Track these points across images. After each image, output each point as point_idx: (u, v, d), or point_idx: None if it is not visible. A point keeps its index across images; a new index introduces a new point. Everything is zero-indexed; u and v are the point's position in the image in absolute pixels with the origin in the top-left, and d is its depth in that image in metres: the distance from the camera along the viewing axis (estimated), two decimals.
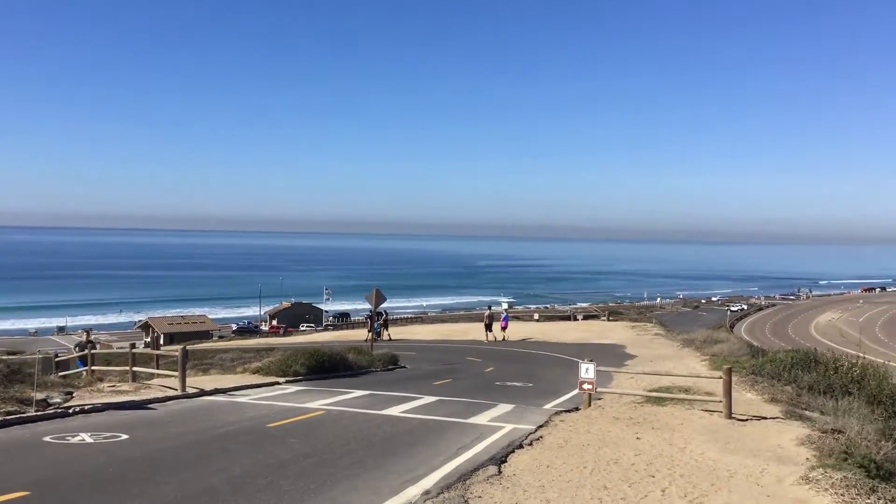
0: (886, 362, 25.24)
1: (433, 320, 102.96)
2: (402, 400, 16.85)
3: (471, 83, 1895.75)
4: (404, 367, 27.62)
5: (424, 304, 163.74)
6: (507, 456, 10.53)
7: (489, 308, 47.19)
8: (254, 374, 21.94)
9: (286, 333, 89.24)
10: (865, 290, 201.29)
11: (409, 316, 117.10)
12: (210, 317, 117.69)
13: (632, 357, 30.97)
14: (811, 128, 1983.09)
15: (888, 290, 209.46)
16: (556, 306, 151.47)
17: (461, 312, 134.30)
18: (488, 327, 42.38)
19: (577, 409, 15.49)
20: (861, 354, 23.24)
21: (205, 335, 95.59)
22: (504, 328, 43.40)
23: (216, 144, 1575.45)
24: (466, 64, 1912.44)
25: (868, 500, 7.79)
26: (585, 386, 15.62)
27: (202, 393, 17.01)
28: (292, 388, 19.05)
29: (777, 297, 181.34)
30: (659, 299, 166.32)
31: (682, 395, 16.09)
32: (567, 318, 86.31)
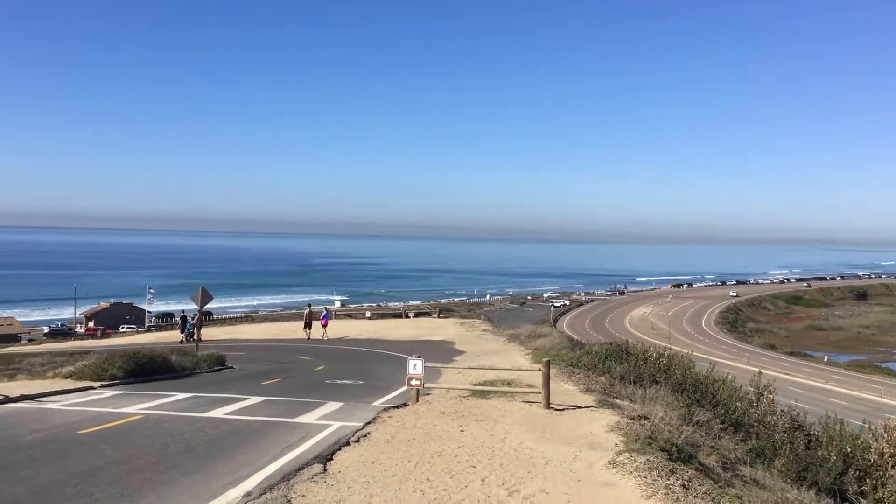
0: (690, 352, 27.29)
1: (264, 319, 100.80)
2: (227, 401, 16.41)
3: (282, 77, 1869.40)
4: (232, 367, 26.87)
5: (255, 302, 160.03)
6: (333, 454, 10.52)
7: (308, 306, 47.08)
8: (66, 378, 20.57)
9: (104, 335, 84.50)
10: (674, 286, 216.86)
11: (240, 315, 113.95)
12: (18, 319, 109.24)
13: (461, 353, 31.71)
14: (622, 130, 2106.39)
15: (694, 285, 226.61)
16: (389, 304, 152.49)
17: (294, 311, 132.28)
18: (308, 325, 42.55)
19: (405, 404, 15.69)
20: (668, 346, 25.07)
21: (12, 339, 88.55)
22: (324, 325, 43.35)
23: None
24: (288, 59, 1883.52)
25: (668, 481, 8.42)
26: (413, 382, 15.85)
27: (7, 400, 15.79)
28: (109, 393, 18.07)
29: (597, 293, 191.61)
30: (488, 296, 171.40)
31: (505, 388, 16.71)
32: (399, 316, 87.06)
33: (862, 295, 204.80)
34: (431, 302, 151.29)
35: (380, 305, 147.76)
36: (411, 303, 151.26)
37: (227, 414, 14.57)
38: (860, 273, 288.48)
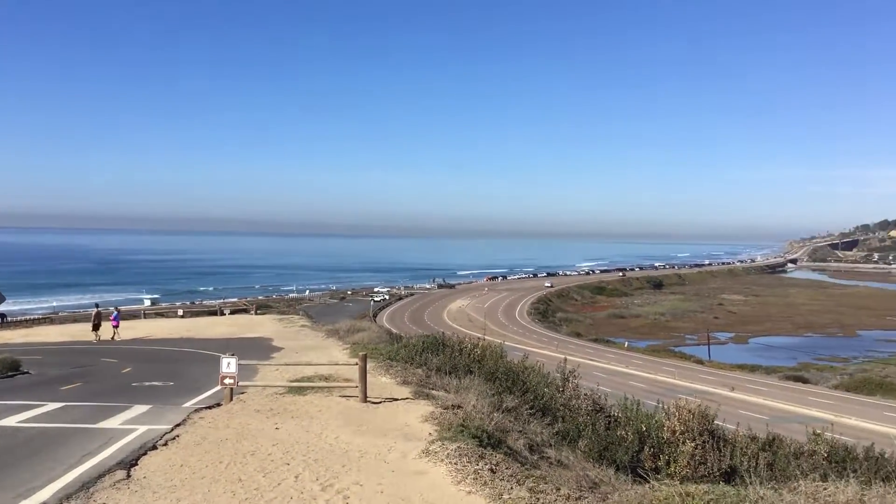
0: (503, 342, 28.33)
1: (65, 320, 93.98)
2: (20, 409, 15.20)
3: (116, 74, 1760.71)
4: (27, 372, 24.89)
5: (55, 303, 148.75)
6: (138, 459, 10.05)
7: (96, 307, 44.55)
8: None
9: None
10: (490, 279, 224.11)
11: (37, 317, 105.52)
12: None
13: (278, 349, 31.17)
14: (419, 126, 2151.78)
15: (509, 278, 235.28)
16: (204, 302, 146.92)
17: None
18: (96, 327, 40.27)
19: (218, 405, 15.23)
20: (483, 337, 25.89)
21: None
22: (115, 326, 41.18)
23: None
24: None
25: (477, 466, 8.74)
26: (227, 381, 15.43)
27: None
28: None
29: (416, 287, 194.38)
30: (308, 292, 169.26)
31: (323, 384, 16.64)
32: (215, 314, 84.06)
33: (658, 284, 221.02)
34: (249, 298, 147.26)
35: (194, 303, 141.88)
36: (228, 299, 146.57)
37: (20, 422, 13.52)
38: (656, 264, 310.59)
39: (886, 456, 15.95)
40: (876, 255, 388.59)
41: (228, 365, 15.39)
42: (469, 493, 7.90)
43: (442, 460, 9.20)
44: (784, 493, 5.78)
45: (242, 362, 16.03)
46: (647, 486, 7.49)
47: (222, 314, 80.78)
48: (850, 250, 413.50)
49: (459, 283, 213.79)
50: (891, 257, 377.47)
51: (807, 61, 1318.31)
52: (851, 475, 8.34)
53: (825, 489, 5.66)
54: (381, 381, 17.78)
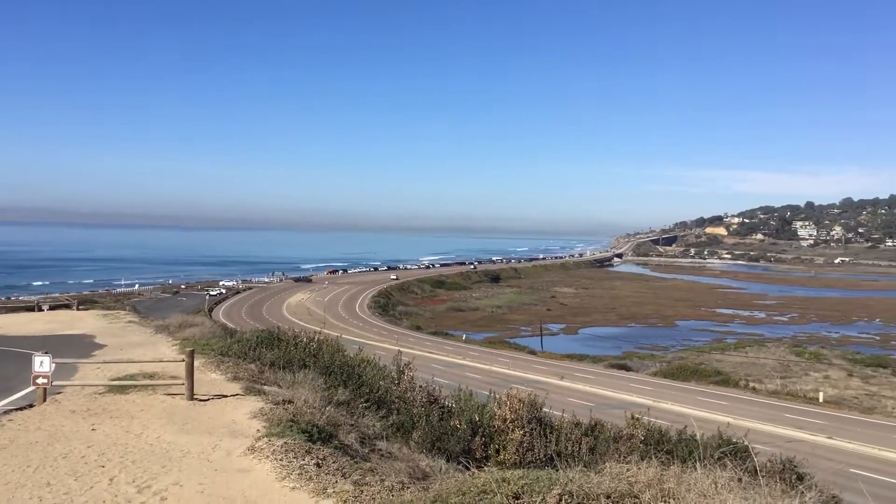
0: (341, 336, 28.18)
1: None
2: None
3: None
4: None
5: None
6: None
7: None
8: None
9: None
10: (330, 273, 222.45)
11: None
12: None
13: (101, 346, 29.45)
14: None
15: (350, 271, 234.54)
16: (20, 297, 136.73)
17: None
18: None
19: (31, 405, 14.24)
20: (321, 330, 25.65)
21: None
22: None
23: None
24: None
25: (303, 461, 8.66)
26: (40, 380, 14.45)
27: None
28: None
29: (254, 280, 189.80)
30: (137, 286, 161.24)
31: (147, 381, 15.92)
32: (32, 309, 78.45)
33: (495, 278, 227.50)
34: (72, 293, 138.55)
35: (10, 298, 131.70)
36: (49, 294, 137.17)
37: None
38: (494, 258, 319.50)
39: (696, 437, 17.22)
40: (692, 251, 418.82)
41: (42, 363, 14.42)
42: (293, 488, 7.81)
43: (267, 457, 9.04)
44: (591, 475, 6.11)
45: (60, 361, 15.08)
46: (467, 473, 7.70)
47: (40, 310, 75.58)
48: (670, 245, 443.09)
49: (302, 277, 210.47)
50: (705, 252, 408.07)
51: (635, 63, 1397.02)
52: (654, 456, 8.93)
53: (628, 470, 6.03)
54: (211, 378, 17.24)
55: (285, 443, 9.47)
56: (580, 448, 15.58)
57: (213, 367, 18.94)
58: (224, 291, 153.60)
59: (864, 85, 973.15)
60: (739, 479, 6.18)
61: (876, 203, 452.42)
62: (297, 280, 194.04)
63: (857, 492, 18.91)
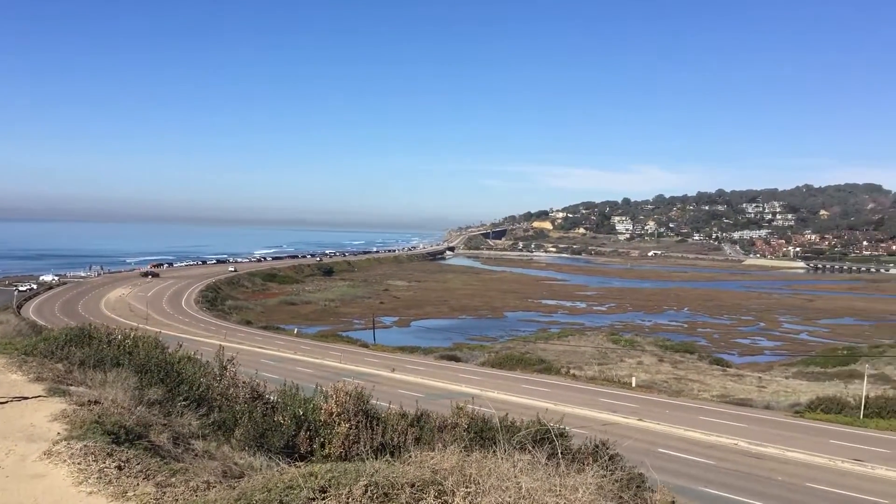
0: (160, 332, 26.99)
1: None
2: None
3: None
4: None
5: None
6: None
7: None
8: None
9: None
10: (155, 266, 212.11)
11: None
12: None
13: None
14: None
15: (176, 265, 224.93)
16: None
17: None
18: None
19: None
20: (139, 326, 24.44)
21: None
22: None
23: None
24: None
25: (103, 464, 8.20)
26: None
27: None
28: None
29: (69, 275, 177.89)
30: None
31: None
32: None
33: (329, 271, 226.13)
34: None
35: None
36: None
37: None
38: (328, 251, 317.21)
39: (518, 423, 17.88)
40: (521, 244, 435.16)
41: None
42: (90, 493, 7.39)
43: (65, 461, 8.49)
44: (397, 465, 6.19)
45: None
46: (275, 469, 7.58)
47: None
48: (500, 239, 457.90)
49: (119, 271, 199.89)
50: (533, 246, 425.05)
51: (475, 60, 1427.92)
52: (475, 444, 9.18)
53: (432, 458, 6.16)
54: (11, 379, 15.98)
55: (85, 445, 8.92)
56: (406, 439, 15.79)
57: (14, 368, 17.56)
58: (35, 287, 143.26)
59: (673, 89, 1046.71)
60: (547, 461, 6.48)
61: (685, 200, 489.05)
62: (144, 274, 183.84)
63: (662, 469, 20.36)
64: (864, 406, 42.42)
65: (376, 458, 12.59)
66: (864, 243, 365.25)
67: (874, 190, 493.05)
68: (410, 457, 6.46)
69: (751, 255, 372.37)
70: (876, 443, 34.60)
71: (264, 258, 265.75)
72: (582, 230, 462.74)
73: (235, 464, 10.87)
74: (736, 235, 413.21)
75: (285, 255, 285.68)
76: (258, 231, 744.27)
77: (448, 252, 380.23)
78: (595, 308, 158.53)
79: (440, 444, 14.85)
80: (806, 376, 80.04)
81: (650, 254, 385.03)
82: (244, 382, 18.87)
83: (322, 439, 15.53)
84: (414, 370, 60.93)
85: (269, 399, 18.29)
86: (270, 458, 13.28)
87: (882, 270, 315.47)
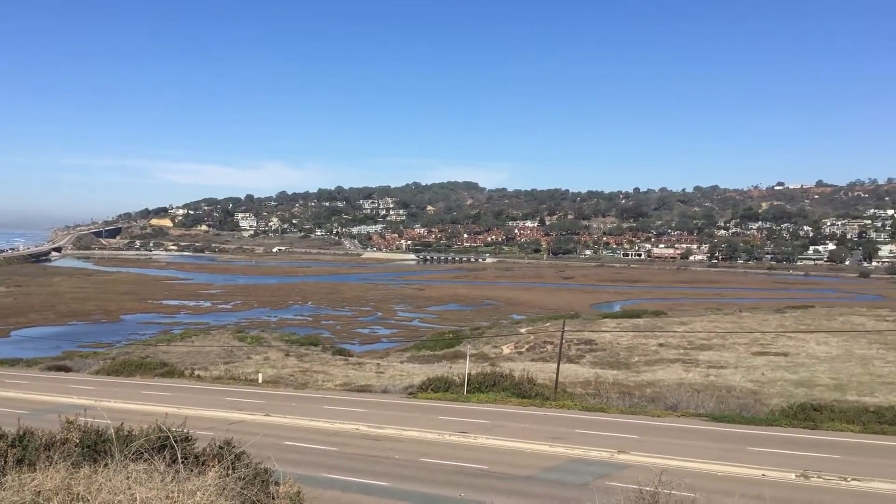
0: None
1: None
2: None
3: None
4: None
5: None
6: None
7: None
8: None
9: None
10: None
11: None
12: None
13: None
14: None
15: None
16: None
17: None
18: None
19: None
20: None
21: None
22: None
23: None
24: None
25: None
26: None
27: None
28: None
29: None
30: None
31: None
32: None
33: None
34: None
35: None
36: None
37: None
38: None
39: (136, 432, 16.93)
40: (138, 242, 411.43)
41: None
42: None
43: None
44: None
45: None
46: None
47: None
48: (114, 238, 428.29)
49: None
50: (151, 244, 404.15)
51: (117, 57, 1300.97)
52: (69, 459, 8.60)
53: (33, 480, 5.70)
54: None
55: None
56: (5, 462, 14.22)
57: None
58: None
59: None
60: (168, 468, 6.30)
61: (307, 196, 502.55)
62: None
63: (288, 461, 20.81)
64: (467, 383, 47.12)
65: None
66: (465, 235, 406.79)
67: (472, 187, 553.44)
68: (7, 480, 5.88)
69: (368, 249, 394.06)
70: (477, 415, 38.69)
71: None
72: (205, 227, 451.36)
73: None
74: (355, 230, 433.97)
75: None
76: None
77: (54, 253, 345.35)
78: (220, 306, 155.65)
79: (45, 464, 13.68)
80: (419, 360, 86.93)
81: (275, 250, 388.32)
82: None
83: None
84: (15, 384, 54.37)
85: None
86: None
87: (479, 260, 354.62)
